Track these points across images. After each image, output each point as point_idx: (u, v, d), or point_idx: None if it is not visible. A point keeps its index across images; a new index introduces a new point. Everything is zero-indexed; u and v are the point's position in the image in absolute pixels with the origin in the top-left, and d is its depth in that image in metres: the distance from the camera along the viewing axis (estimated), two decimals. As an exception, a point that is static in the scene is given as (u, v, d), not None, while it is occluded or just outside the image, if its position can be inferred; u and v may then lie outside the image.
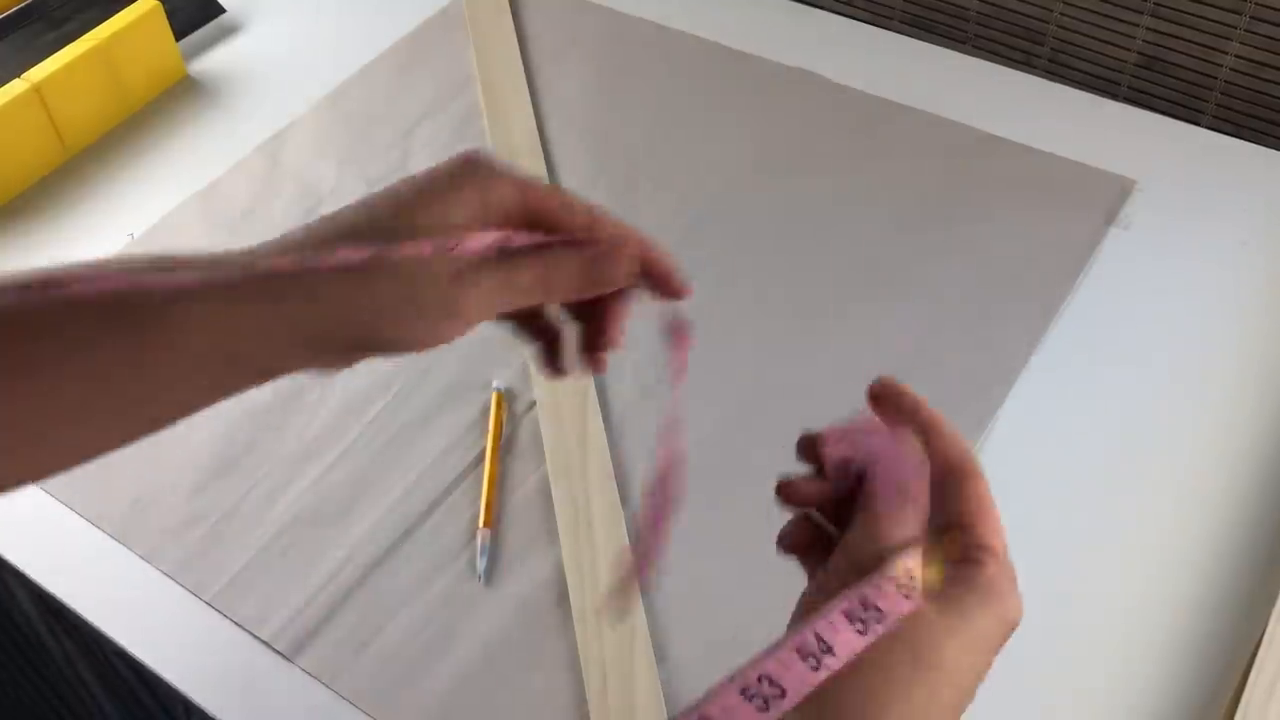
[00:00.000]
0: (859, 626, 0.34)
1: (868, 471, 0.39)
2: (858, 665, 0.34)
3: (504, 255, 0.42)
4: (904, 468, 0.39)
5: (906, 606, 0.35)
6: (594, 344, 0.47)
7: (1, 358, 0.40)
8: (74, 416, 0.41)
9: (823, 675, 0.34)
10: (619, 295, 0.46)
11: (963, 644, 0.34)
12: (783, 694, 0.34)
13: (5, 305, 0.41)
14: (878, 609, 0.35)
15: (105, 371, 0.40)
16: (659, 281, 0.45)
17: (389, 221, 0.42)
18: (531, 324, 0.49)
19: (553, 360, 0.49)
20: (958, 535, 0.37)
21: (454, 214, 0.42)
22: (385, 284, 0.41)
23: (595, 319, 0.46)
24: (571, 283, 0.44)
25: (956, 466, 0.38)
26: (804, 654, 0.34)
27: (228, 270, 0.41)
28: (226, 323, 0.40)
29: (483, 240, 0.42)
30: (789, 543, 0.42)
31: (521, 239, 0.43)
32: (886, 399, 0.41)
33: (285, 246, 0.42)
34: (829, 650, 0.34)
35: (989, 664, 0.35)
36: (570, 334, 0.48)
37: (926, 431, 0.39)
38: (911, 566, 0.36)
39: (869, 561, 0.37)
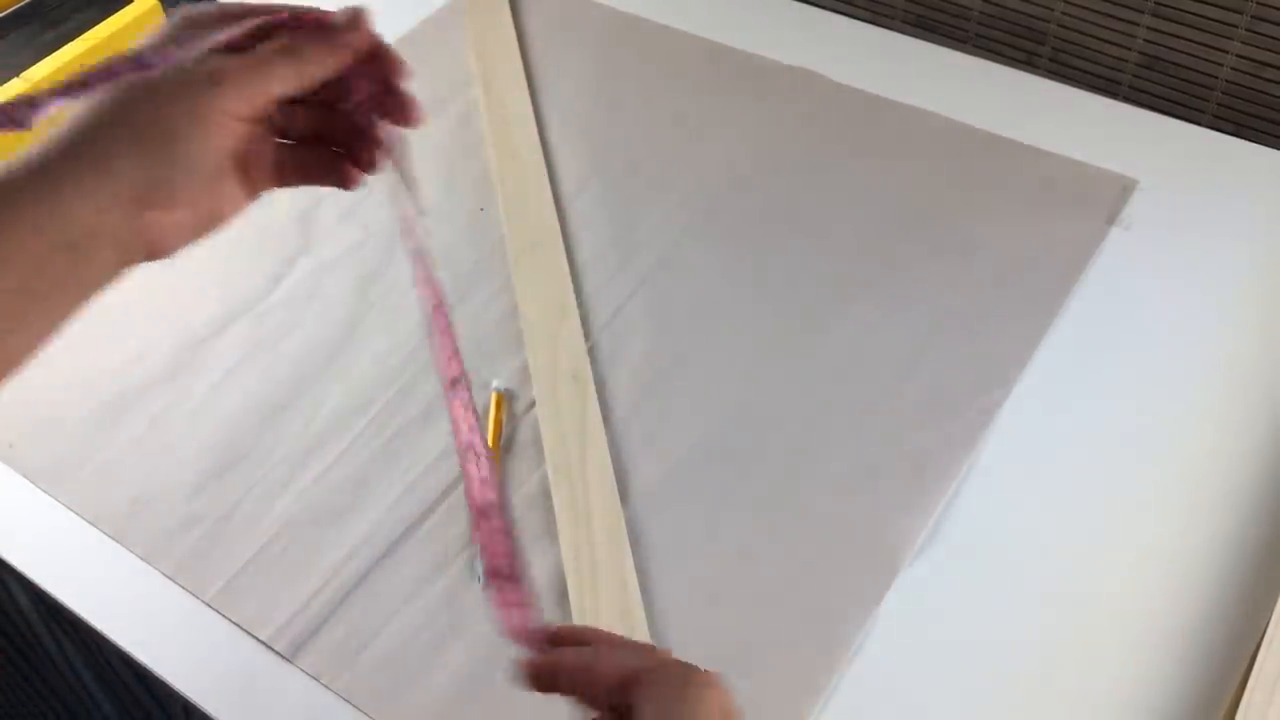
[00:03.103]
0: None
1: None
2: None
3: (246, 49, 0.46)
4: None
5: None
6: (357, 163, 0.52)
7: None
8: None
9: None
10: (374, 127, 0.51)
11: None
12: None
13: None
14: None
15: None
16: (388, 72, 0.49)
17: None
18: (314, 157, 0.51)
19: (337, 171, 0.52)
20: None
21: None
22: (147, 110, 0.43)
23: (358, 144, 0.51)
24: (320, 55, 0.47)
25: (631, 677, 0.41)
26: None
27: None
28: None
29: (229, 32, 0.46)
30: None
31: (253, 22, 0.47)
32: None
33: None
34: None
35: None
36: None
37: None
38: None
39: None
